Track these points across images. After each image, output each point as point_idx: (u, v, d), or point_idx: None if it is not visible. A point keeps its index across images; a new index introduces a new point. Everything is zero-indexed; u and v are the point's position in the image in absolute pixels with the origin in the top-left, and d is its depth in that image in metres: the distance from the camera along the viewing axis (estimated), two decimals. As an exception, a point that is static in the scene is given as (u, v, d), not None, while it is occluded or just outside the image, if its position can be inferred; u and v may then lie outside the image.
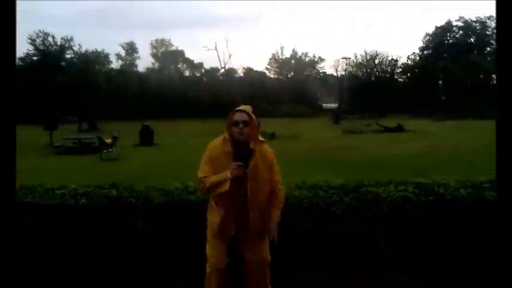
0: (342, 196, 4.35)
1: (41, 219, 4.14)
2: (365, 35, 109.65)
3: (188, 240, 4.13)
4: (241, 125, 3.15)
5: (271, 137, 22.75)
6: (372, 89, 56.21)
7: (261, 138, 3.29)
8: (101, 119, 38.23)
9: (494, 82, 59.11)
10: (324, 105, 60.27)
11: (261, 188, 3.23)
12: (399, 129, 27.95)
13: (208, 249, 3.38)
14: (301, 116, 45.33)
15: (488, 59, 57.46)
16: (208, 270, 3.35)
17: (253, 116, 3.23)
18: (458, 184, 4.54)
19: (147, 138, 21.71)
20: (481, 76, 54.25)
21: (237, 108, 3.25)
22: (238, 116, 3.18)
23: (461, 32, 64.47)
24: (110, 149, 17.64)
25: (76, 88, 40.02)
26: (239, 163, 3.06)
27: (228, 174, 3.05)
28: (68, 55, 55.63)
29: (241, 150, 3.16)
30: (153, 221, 4.16)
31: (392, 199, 4.25)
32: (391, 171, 9.51)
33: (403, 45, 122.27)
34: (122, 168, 13.23)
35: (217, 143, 3.27)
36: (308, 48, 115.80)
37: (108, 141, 18.05)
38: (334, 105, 53.02)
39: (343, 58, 59.43)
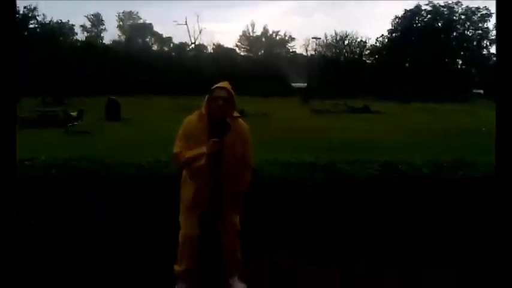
0: (312, 173, 4.47)
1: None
2: (335, 16, 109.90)
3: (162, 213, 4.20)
4: (220, 102, 3.19)
5: (241, 114, 22.71)
6: (341, 70, 56.76)
7: (236, 114, 3.35)
8: (66, 92, 37.17)
9: (459, 66, 60.79)
10: (293, 84, 60.45)
11: (235, 164, 3.28)
12: (366, 110, 28.48)
13: (182, 220, 3.42)
14: (271, 95, 45.36)
15: (454, 43, 58.83)
16: (181, 239, 3.39)
17: (233, 93, 3.29)
18: (422, 163, 4.74)
19: (113, 112, 21.31)
20: (447, 60, 55.59)
21: (217, 85, 3.29)
22: (218, 92, 3.23)
23: (429, 16, 65.47)
24: (76, 123, 17.30)
25: (39, 60, 38.63)
26: (216, 139, 3.12)
27: (204, 149, 3.13)
28: (32, 25, 53.45)
29: (218, 126, 3.20)
30: (125, 194, 4.18)
31: (359, 176, 4.40)
32: (358, 151, 9.74)
33: (372, 28, 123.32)
34: (89, 143, 13.04)
35: (193, 119, 3.31)
36: (279, 27, 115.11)
37: (74, 114, 17.66)
38: (303, 85, 53.19)
39: (313, 38, 59.46)
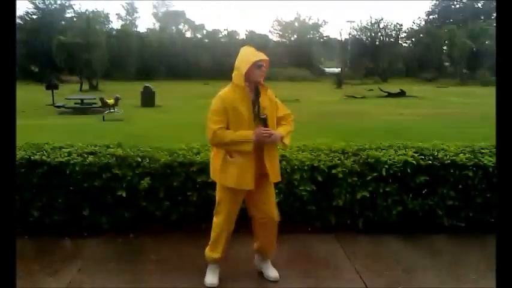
0: (343, 159, 4.44)
1: (49, 177, 4.25)
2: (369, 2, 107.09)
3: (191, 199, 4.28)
4: (264, 68, 3.14)
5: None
6: (376, 54, 55.51)
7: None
8: (102, 79, 38.04)
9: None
10: (326, 69, 59.59)
11: (271, 127, 3.21)
12: (401, 94, 27.83)
13: (224, 206, 3.34)
14: (304, 80, 45.00)
15: (494, 25, 56.40)
16: (219, 228, 3.37)
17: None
18: (458, 149, 4.62)
19: (148, 99, 21.67)
20: (486, 42, 53.42)
21: (249, 47, 3.24)
22: (262, 60, 3.14)
23: (468, -4, 62.98)
24: (112, 110, 17.67)
25: (77, 48, 39.47)
26: (266, 129, 3.08)
27: (252, 136, 3.06)
28: (68, 14, 54.57)
29: (252, 95, 3.16)
30: (159, 180, 4.27)
31: (393, 162, 4.34)
32: (393, 136, 9.56)
33: (410, 10, 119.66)
34: (124, 129, 13.30)
35: (228, 91, 3.18)
36: (312, 11, 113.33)
37: (110, 101, 18.04)
38: (337, 70, 52.40)
39: (347, 21, 58.29)
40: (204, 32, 60.69)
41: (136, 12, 65.45)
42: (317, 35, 65.14)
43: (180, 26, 62.71)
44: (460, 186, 4.39)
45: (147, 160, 4.37)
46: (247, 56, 3.10)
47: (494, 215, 4.43)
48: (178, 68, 50.13)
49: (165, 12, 64.74)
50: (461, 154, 4.47)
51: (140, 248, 4.15)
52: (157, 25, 63.48)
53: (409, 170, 4.32)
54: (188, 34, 61.94)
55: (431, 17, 64.30)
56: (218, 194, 3.37)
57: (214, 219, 3.42)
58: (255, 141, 3.05)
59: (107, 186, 4.28)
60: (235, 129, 3.10)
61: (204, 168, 4.26)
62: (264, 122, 3.11)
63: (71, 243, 4.22)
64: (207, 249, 3.51)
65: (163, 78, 44.26)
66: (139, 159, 4.36)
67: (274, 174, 3.29)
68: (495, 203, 4.39)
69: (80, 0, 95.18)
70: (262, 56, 3.11)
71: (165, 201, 4.31)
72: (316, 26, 64.74)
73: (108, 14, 58.93)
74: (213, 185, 4.26)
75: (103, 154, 4.44)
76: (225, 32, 58.24)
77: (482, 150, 4.68)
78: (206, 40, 58.32)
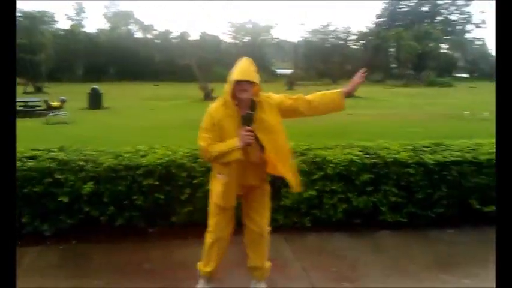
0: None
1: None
2: (321, 3, 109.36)
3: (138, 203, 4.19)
4: (245, 95, 2.93)
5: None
6: (327, 56, 56.69)
7: (259, 89, 3.07)
8: (48, 81, 36.69)
9: (443, 51, 61.18)
10: (278, 70, 60.25)
11: (278, 137, 3.04)
12: (350, 95, 28.51)
13: (212, 220, 3.24)
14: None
15: (438, 28, 59.10)
16: (210, 240, 3.24)
17: (255, 69, 3.01)
18: (400, 148, 4.78)
19: (95, 101, 21.11)
20: (430, 45, 55.83)
21: (240, 70, 2.98)
22: (237, 75, 2.93)
23: (415, 0, 65.58)
24: (58, 112, 17.06)
25: (21, 49, 37.89)
26: (248, 128, 2.88)
27: (236, 142, 2.87)
28: (11, 13, 52.18)
29: (245, 110, 2.97)
30: (103, 184, 4.15)
31: (339, 161, 4.43)
32: (341, 136, 9.79)
33: (360, 13, 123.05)
34: (69, 132, 12.87)
35: (218, 107, 3.02)
36: (264, 13, 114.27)
37: (55, 104, 17.41)
38: (289, 71, 53.08)
39: (299, 24, 59.10)
40: (156, 32, 59.81)
41: (84, 12, 63.65)
42: (269, 36, 65.79)
43: (131, 27, 61.56)
44: (402, 183, 4.53)
45: (91, 164, 4.24)
46: (233, 74, 2.92)
47: (435, 210, 4.62)
48: (128, 69, 49.21)
49: (115, 13, 63.34)
50: (403, 152, 4.63)
51: (83, 255, 4.02)
52: (107, 25, 61.99)
53: (354, 169, 4.42)
54: (139, 34, 60.88)
55: (380, 20, 66.45)
56: (210, 207, 3.28)
57: (206, 231, 3.30)
58: (241, 146, 2.87)
59: (48, 192, 4.12)
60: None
61: (151, 171, 4.19)
62: (248, 122, 2.92)
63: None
64: (199, 262, 3.36)
65: (113, 79, 43.29)
66: (83, 163, 4.23)
67: (296, 183, 3.14)
68: (436, 199, 4.59)
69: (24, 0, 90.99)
70: (246, 77, 2.90)
71: (110, 206, 4.20)
72: (268, 28, 65.36)
73: (54, 14, 57.01)
74: (160, 187, 4.23)
75: (44, 158, 4.27)
76: (177, 33, 57.58)
77: (424, 149, 4.88)
78: (157, 41, 57.48)
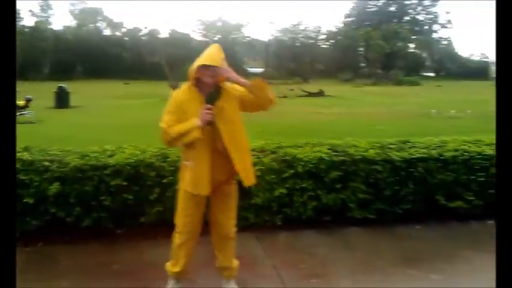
0: (262, 158, 4.49)
1: None
2: (292, 2, 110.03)
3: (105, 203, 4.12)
4: (209, 79, 2.94)
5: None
6: (297, 55, 57.08)
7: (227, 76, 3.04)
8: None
9: (411, 50, 62.52)
10: (250, 69, 60.29)
11: (236, 129, 3.05)
12: (321, 94, 28.85)
13: (180, 220, 3.18)
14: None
15: (406, 28, 60.39)
16: (178, 241, 3.19)
17: (222, 57, 2.98)
18: (368, 145, 4.86)
19: (63, 100, 20.62)
20: (398, 44, 56.96)
21: (206, 55, 2.97)
22: (203, 60, 2.92)
23: (383, 0, 66.76)
24: (23, 112, 16.60)
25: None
26: (208, 106, 2.87)
27: (196, 121, 2.86)
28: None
29: (209, 93, 2.98)
30: (69, 185, 4.06)
31: (308, 159, 4.47)
32: (310, 135, 9.87)
33: (329, 12, 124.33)
34: (35, 132, 12.52)
35: (181, 92, 3.05)
36: (235, 12, 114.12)
37: (21, 103, 16.94)
38: (260, 70, 53.22)
39: (269, 23, 59.36)
40: (124, 30, 58.86)
41: (51, 9, 62.03)
42: (240, 35, 65.74)
43: (98, 24, 60.41)
44: (370, 180, 4.61)
45: (56, 164, 4.14)
46: (199, 58, 2.92)
47: (402, 206, 4.72)
48: (97, 68, 48.27)
49: (82, 10, 62.02)
50: (371, 150, 4.71)
51: (50, 257, 3.92)
52: (74, 22, 60.64)
53: (323, 166, 4.47)
54: (107, 32, 59.79)
55: (349, 19, 67.35)
56: (178, 204, 3.20)
57: (174, 232, 3.24)
58: (202, 124, 2.85)
59: (11, 193, 3.99)
60: (189, 132, 2.93)
61: (119, 170, 4.13)
62: (211, 101, 2.92)
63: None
64: (168, 263, 3.30)
65: (81, 78, 42.42)
66: (48, 164, 4.12)
67: (247, 177, 3.11)
68: (403, 195, 4.69)
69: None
70: (211, 62, 2.89)
71: (77, 207, 4.11)
72: (239, 27, 65.29)
73: (19, 10, 55.34)
74: (128, 187, 4.16)
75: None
76: (146, 30, 56.85)
77: (391, 146, 4.97)
78: (126, 38, 56.58)
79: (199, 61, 2.90)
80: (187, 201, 3.12)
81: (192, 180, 3.01)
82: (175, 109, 2.99)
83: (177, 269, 3.24)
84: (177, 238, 3.21)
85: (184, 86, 3.05)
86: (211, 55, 2.94)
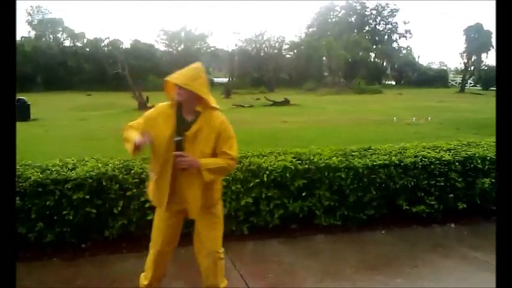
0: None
1: None
2: (255, 12, 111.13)
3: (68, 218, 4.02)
4: (178, 90, 2.84)
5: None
6: (261, 65, 57.48)
7: (214, 105, 2.95)
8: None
9: (372, 59, 64.07)
10: (215, 79, 60.26)
11: (200, 157, 2.86)
12: (286, 103, 29.08)
13: (153, 230, 3.12)
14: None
15: (367, 37, 61.94)
16: (150, 253, 3.12)
17: (202, 81, 2.89)
18: (331, 153, 4.95)
19: (23, 112, 19.98)
20: (360, 54, 58.26)
21: (177, 75, 2.90)
22: (171, 78, 2.88)
23: (343, 11, 68.27)
24: (-21, 125, 16.00)
25: None
26: (143, 134, 2.77)
27: (134, 137, 2.76)
28: None
29: (187, 114, 2.90)
30: (30, 199, 3.94)
31: (273, 168, 4.51)
32: (275, 143, 9.95)
33: (291, 23, 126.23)
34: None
35: (163, 105, 2.99)
36: (198, 22, 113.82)
37: (-23, 116, 16.32)
38: (225, 80, 53.25)
39: (233, 33, 59.64)
40: (85, 40, 57.72)
41: (7, 18, 60.23)
42: (204, 45, 65.65)
43: (59, 35, 59.04)
44: (334, 187, 4.69)
45: (16, 179, 4.01)
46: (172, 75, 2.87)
47: (366, 212, 4.83)
48: (57, 79, 47.04)
49: (41, 20, 60.53)
50: (334, 157, 4.80)
51: (10, 275, 3.78)
52: (32, 33, 59.09)
53: (288, 175, 4.52)
54: (67, 43, 58.48)
55: (310, 29, 68.47)
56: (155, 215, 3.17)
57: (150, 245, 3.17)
58: (136, 145, 2.71)
59: (-33, 210, 3.84)
60: (154, 146, 2.89)
61: (81, 184, 4.04)
62: (178, 147, 2.81)
63: None
64: (142, 274, 3.21)
65: (41, 89, 41.27)
66: (6, 178, 3.99)
67: (193, 209, 2.96)
68: (366, 201, 4.80)
69: None
70: (178, 80, 2.81)
71: (39, 222, 3.99)
72: (202, 37, 65.15)
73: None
74: (91, 201, 4.08)
75: (-38, 174, 3.98)
76: (107, 41, 55.94)
77: (353, 153, 5.09)
78: (87, 49, 55.49)
79: (171, 76, 2.86)
80: (157, 214, 3.11)
81: (154, 192, 3.02)
82: (149, 116, 2.98)
83: (146, 281, 3.16)
84: (150, 250, 3.14)
85: (169, 102, 2.97)
86: (184, 73, 2.87)
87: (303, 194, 4.61)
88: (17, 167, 4.26)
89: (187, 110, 2.90)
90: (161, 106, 3.00)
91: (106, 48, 54.41)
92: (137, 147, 2.74)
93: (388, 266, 4.07)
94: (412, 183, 4.91)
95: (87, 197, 4.04)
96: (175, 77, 2.85)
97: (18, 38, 56.70)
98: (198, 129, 2.87)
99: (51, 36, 58.11)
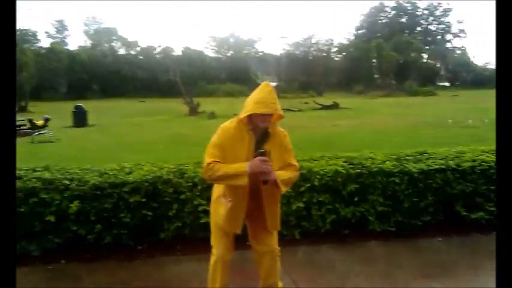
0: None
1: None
2: (303, 15, 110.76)
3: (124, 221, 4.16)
4: (268, 120, 2.84)
5: (211, 116, 22.65)
6: (310, 68, 57.23)
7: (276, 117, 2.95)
8: (32, 99, 36.41)
9: (424, 60, 62.20)
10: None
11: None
12: (335, 106, 28.78)
13: (213, 239, 3.14)
14: (242, 95, 45.36)
15: (419, 38, 60.24)
16: (212, 261, 3.12)
17: (276, 97, 2.89)
18: (385, 157, 4.84)
19: (80, 119, 20.93)
20: (412, 55, 56.75)
21: (262, 97, 2.86)
22: (265, 108, 2.79)
23: (393, 12, 66.81)
24: (42, 131, 16.89)
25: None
26: (262, 158, 2.73)
27: (245, 166, 2.73)
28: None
29: (259, 137, 2.89)
30: (89, 203, 4.12)
31: (324, 172, 4.47)
32: (326, 147, 9.86)
33: (340, 25, 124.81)
34: (55, 151, 12.72)
35: (231, 127, 2.91)
36: (246, 27, 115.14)
37: (40, 123, 17.25)
38: (272, 84, 53.46)
39: (281, 37, 59.82)
40: (138, 48, 59.73)
41: (67, 30, 63.47)
42: (252, 50, 66.21)
43: (113, 43, 61.46)
44: (388, 193, 4.58)
45: (76, 182, 4.20)
46: (255, 103, 2.80)
47: (422, 218, 4.68)
48: (112, 86, 49.05)
49: (97, 30, 63.29)
50: (388, 162, 4.69)
51: (73, 274, 3.95)
52: (88, 42, 61.89)
53: (339, 179, 4.46)
54: (122, 51, 60.74)
55: (359, 31, 67.44)
56: (211, 226, 3.18)
57: (212, 250, 3.18)
58: (249, 173, 2.73)
59: (34, 212, 4.07)
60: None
61: (137, 187, 4.17)
62: (261, 144, 2.84)
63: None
64: (208, 283, 3.21)
65: (96, 97, 43.11)
66: (68, 182, 4.19)
67: (273, 223, 3.06)
68: (422, 207, 4.65)
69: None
70: (269, 109, 2.79)
71: (97, 224, 4.16)
72: (251, 42, 65.79)
73: (36, 32, 56.77)
74: (147, 204, 4.20)
75: (29, 178, 4.22)
76: (159, 49, 57.61)
77: (407, 157, 4.95)
78: (141, 57, 57.40)
79: (259, 108, 2.77)
80: (220, 231, 3.09)
81: (226, 218, 2.97)
82: (223, 143, 2.86)
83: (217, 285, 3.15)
84: (212, 257, 3.14)
85: (233, 122, 2.93)
86: (268, 101, 2.81)
87: (355, 199, 4.53)
88: (77, 171, 4.47)
89: (259, 130, 2.89)
90: (228, 128, 2.91)
91: (158, 56, 56.05)
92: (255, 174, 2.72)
93: (445, 274, 3.92)
94: (471, 189, 4.71)
95: (144, 200, 4.17)
96: (269, 108, 2.79)
97: (75, 47, 59.58)
98: (271, 147, 2.88)
99: (106, 45, 60.52)
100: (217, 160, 2.80)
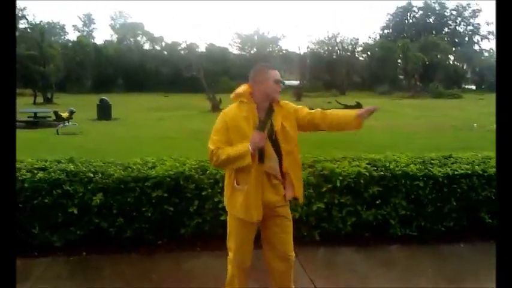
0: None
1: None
2: (329, 14, 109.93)
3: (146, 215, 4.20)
4: (281, 85, 2.89)
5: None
6: (333, 67, 56.81)
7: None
8: (57, 91, 37.12)
9: (451, 62, 61.07)
10: (286, 82, 60.26)
11: (295, 149, 2.94)
12: (358, 107, 28.46)
13: (231, 240, 3.01)
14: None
15: (446, 39, 59.14)
16: (230, 268, 3.03)
17: None
18: (409, 160, 4.76)
19: (105, 112, 21.25)
20: (439, 56, 55.78)
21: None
22: (277, 74, 2.89)
23: (420, 12, 65.75)
24: (67, 123, 17.21)
25: (30, 60, 38.30)
26: (259, 131, 2.71)
27: (247, 146, 2.68)
28: (22, 25, 53.05)
29: (262, 113, 2.85)
30: (112, 196, 4.17)
31: (347, 174, 4.42)
32: (348, 148, 9.77)
33: (365, 25, 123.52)
34: (79, 143, 12.94)
35: (232, 108, 2.90)
36: (271, 25, 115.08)
37: (65, 115, 17.58)
38: (296, 83, 53.20)
39: (306, 36, 59.52)
40: (163, 44, 60.27)
41: (94, 23, 64.49)
42: (276, 48, 66.06)
43: (139, 38, 62.16)
44: (411, 197, 4.51)
45: (100, 175, 4.26)
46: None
47: (445, 224, 4.59)
48: (137, 81, 49.65)
49: (123, 24, 64.09)
50: (412, 165, 4.61)
51: (94, 266, 4.02)
52: (114, 37, 62.74)
53: (362, 181, 4.41)
54: (147, 46, 61.40)
55: (385, 31, 66.59)
56: (228, 226, 3.04)
57: (228, 253, 3.08)
58: (253, 150, 2.68)
59: (57, 203, 4.14)
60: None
61: (160, 182, 4.20)
62: (262, 127, 2.78)
63: (21, 263, 4.03)
64: (225, 285, 3.14)
65: (122, 90, 43.73)
66: (91, 175, 4.25)
67: (299, 190, 3.01)
68: (446, 212, 4.56)
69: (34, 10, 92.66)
70: (277, 73, 2.91)
71: (119, 218, 4.21)
72: (275, 40, 65.65)
73: (64, 25, 57.86)
74: (169, 199, 4.23)
75: (53, 170, 4.29)
76: (184, 44, 57.99)
77: (432, 161, 4.85)
78: (165, 52, 57.92)
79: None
80: (240, 228, 2.95)
81: (244, 205, 2.83)
82: (224, 128, 2.83)
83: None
84: (229, 260, 3.06)
85: (235, 104, 2.92)
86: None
87: (377, 201, 4.47)
88: (101, 164, 4.52)
89: (262, 107, 2.89)
90: (230, 112, 2.91)
91: (183, 52, 56.45)
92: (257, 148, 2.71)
93: (468, 281, 3.84)
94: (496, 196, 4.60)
95: (166, 195, 4.20)
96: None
97: (101, 41, 60.47)
98: (282, 120, 2.89)
99: (131, 39, 61.25)
100: (221, 146, 2.80)
